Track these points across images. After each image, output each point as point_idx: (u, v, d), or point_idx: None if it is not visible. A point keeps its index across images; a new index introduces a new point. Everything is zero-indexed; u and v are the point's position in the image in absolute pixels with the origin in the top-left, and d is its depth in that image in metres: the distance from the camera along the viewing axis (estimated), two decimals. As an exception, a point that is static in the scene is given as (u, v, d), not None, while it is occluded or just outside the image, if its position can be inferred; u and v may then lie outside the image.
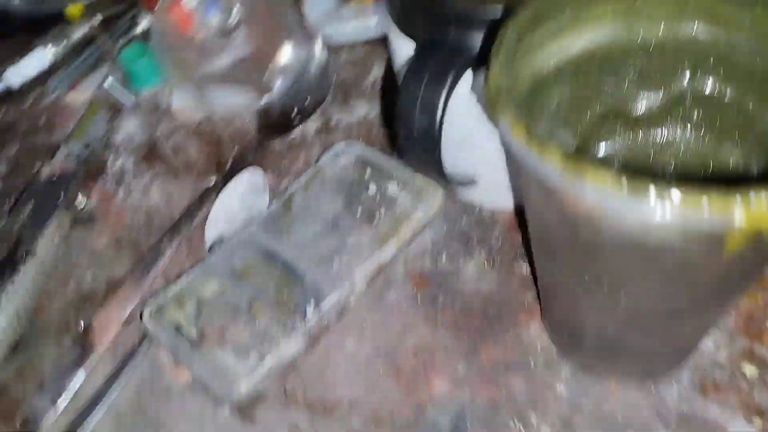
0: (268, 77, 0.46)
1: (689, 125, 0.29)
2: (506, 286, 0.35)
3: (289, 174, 0.43)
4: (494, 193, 0.37)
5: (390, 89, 0.46)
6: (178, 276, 0.38)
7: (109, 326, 0.36)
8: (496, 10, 0.27)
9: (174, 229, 0.40)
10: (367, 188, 0.38)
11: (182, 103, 0.46)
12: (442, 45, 0.29)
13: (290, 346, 0.32)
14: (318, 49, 0.46)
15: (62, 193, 0.42)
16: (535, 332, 0.33)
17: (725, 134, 0.28)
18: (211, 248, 0.38)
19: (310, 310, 0.33)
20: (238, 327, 0.33)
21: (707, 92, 0.27)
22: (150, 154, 0.46)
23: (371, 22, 0.49)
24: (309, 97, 0.46)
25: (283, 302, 0.34)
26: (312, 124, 0.45)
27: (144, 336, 0.35)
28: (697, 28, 0.26)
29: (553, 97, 0.27)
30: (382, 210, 0.37)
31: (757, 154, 0.27)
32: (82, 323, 0.36)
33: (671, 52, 0.27)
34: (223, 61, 0.49)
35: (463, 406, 0.31)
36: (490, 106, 0.21)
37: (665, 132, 0.29)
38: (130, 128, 0.48)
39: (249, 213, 0.39)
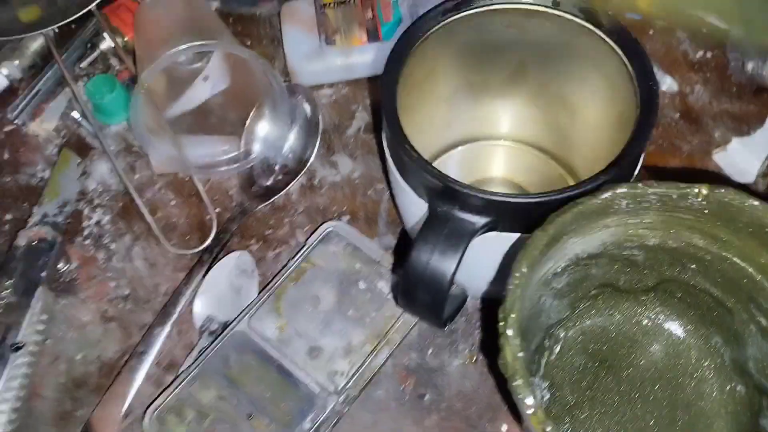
0: (247, 138, 0.44)
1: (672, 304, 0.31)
2: (487, 387, 0.38)
3: (273, 243, 0.43)
4: (478, 286, 0.38)
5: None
6: (171, 365, 0.39)
7: (109, 423, 0.37)
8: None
9: (164, 311, 0.40)
10: (357, 284, 0.39)
11: (155, 153, 0.44)
12: (450, 217, 0.29)
13: (290, 463, 0.34)
14: (304, 105, 0.45)
15: (43, 265, 0.41)
16: (513, 439, 0.36)
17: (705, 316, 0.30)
18: (201, 331, 0.39)
19: (307, 425, 0.35)
20: (238, 441, 0.35)
21: (693, 283, 0.29)
22: (127, 209, 0.44)
23: (356, 62, 0.47)
24: (292, 154, 0.45)
25: (281, 414, 0.35)
26: (295, 184, 0.45)
27: (144, 433, 0.36)
28: (693, 239, 0.27)
29: (555, 283, 0.28)
30: (373, 310, 0.38)
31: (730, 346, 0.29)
32: (80, 416, 0.38)
33: (666, 250, 0.28)
34: (196, 95, 0.47)
35: None
36: (509, 380, 0.22)
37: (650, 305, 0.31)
38: (103, 173, 0.46)
39: (237, 297, 0.40)
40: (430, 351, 0.39)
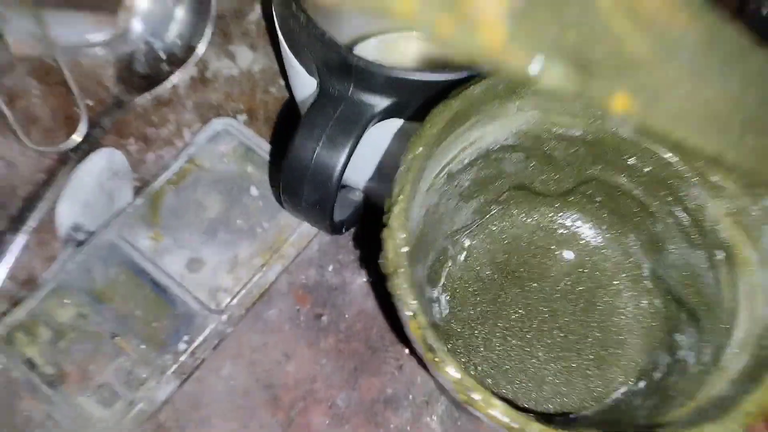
0: (124, 16, 0.37)
1: (591, 209, 0.27)
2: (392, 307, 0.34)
3: (155, 144, 0.37)
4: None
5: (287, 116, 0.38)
6: (29, 280, 0.34)
7: (-52, 344, 0.31)
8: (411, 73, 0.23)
9: (21, 217, 0.34)
10: (249, 190, 0.34)
11: (18, 32, 0.37)
12: (345, 97, 0.24)
13: (161, 390, 0.30)
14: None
15: None
16: (417, 364, 0.33)
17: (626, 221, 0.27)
18: (65, 240, 0.34)
19: (182, 346, 0.31)
20: (101, 364, 0.30)
21: (614, 183, 0.26)
22: (-21, 98, 0.37)
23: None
24: (180, 39, 0.38)
25: (152, 333, 0.31)
26: (183, 74, 0.38)
27: (-8, 355, 0.31)
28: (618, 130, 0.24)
29: (460, 180, 0.24)
30: (265, 221, 0.33)
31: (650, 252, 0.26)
32: None
33: (589, 143, 0.24)
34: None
35: (341, 443, 0.31)
36: (389, 278, 0.18)
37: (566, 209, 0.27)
38: (-52, 54, 0.38)
39: (109, 202, 0.34)
40: (330, 268, 0.35)
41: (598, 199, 0.27)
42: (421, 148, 0.19)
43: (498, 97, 0.21)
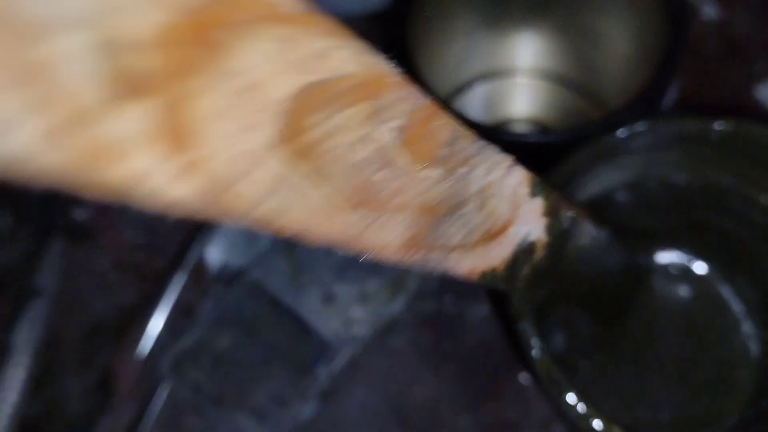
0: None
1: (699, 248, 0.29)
2: (512, 337, 0.36)
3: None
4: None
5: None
6: (188, 311, 0.39)
7: (128, 366, 0.37)
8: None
9: (179, 256, 0.40)
10: (373, 230, 0.37)
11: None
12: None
13: (305, 409, 0.34)
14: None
15: (57, 209, 0.41)
16: (534, 389, 0.35)
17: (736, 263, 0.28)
18: (216, 277, 0.39)
19: (321, 370, 0.35)
20: (254, 387, 0.35)
21: (720, 226, 0.27)
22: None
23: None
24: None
25: (295, 360, 0.35)
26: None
27: (161, 378, 0.36)
28: (720, 178, 0.25)
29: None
30: (389, 257, 0.37)
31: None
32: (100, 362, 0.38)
33: (693, 192, 0.26)
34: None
35: (465, 462, 0.34)
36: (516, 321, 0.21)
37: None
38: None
39: (252, 241, 0.39)
40: (449, 299, 0.38)
41: (709, 241, 0.28)
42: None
43: (601, 157, 0.24)
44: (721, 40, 0.42)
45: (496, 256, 0.17)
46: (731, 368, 0.28)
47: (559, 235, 0.18)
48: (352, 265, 0.37)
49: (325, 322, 0.36)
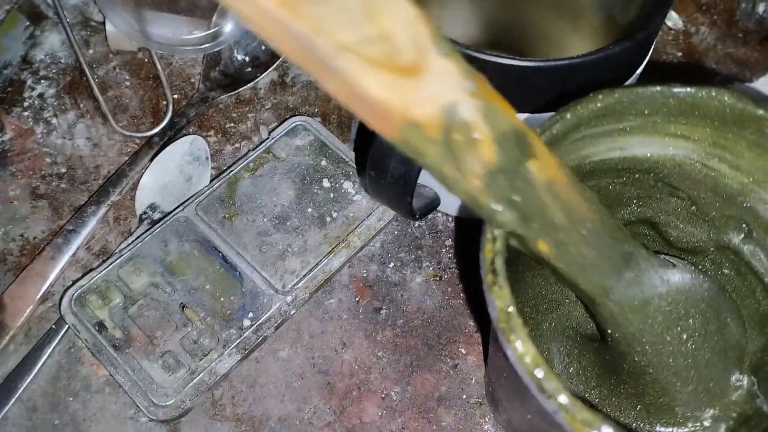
0: (218, 17, 0.40)
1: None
2: (450, 308, 0.34)
3: (234, 137, 0.39)
4: (452, 201, 0.35)
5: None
6: (103, 251, 0.35)
7: (24, 303, 0.33)
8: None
9: (101, 192, 0.36)
10: (321, 182, 0.35)
11: (117, 25, 0.40)
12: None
13: (223, 362, 0.31)
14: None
15: (-32, 127, 0.36)
16: (472, 363, 0.33)
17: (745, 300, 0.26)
18: (141, 218, 0.35)
19: (247, 322, 0.31)
20: (167, 333, 0.31)
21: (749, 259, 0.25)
22: (75, 84, 0.40)
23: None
24: (265, 45, 0.41)
25: (219, 307, 0.32)
26: (265, 78, 0.41)
27: (61, 318, 0.32)
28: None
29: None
30: (335, 211, 0.34)
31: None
32: (-9, 293, 0.33)
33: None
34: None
35: (392, 436, 0.31)
36: (500, 323, 0.18)
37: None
38: (53, 44, 0.41)
39: (187, 185, 0.36)
40: (391, 265, 0.35)
41: (725, 270, 0.26)
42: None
43: (611, 113, 0.22)
44: (684, 49, 0.43)
45: (414, 102, 0.15)
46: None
47: (507, 145, 0.17)
48: (294, 215, 0.34)
49: (258, 271, 0.33)
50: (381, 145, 0.25)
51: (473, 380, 0.33)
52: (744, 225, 0.24)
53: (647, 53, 0.27)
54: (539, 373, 0.16)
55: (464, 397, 0.32)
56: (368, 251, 0.35)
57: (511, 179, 0.17)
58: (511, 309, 0.17)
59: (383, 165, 0.25)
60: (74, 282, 0.33)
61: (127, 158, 0.37)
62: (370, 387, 0.32)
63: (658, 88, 0.22)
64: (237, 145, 0.39)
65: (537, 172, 0.18)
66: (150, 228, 0.34)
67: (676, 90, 0.22)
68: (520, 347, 0.17)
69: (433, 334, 0.34)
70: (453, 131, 0.16)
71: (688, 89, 0.22)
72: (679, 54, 0.43)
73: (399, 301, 0.34)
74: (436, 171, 0.16)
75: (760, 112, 0.22)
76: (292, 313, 0.32)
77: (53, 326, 0.32)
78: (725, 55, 0.43)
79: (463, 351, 0.33)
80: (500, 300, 0.17)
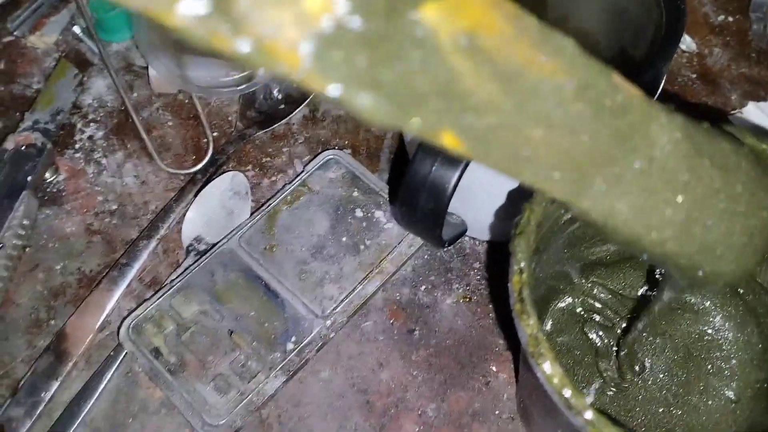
0: (255, 60, 0.43)
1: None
2: (480, 327, 0.36)
3: (270, 171, 0.41)
4: (478, 226, 0.37)
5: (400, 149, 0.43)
6: (154, 282, 0.38)
7: (84, 332, 0.35)
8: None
9: (151, 226, 0.39)
10: (354, 212, 0.37)
11: (158, 70, 0.43)
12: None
13: (270, 384, 0.33)
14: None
15: (30, 170, 0.39)
16: (504, 381, 0.35)
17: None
18: (188, 250, 0.38)
19: (290, 346, 0.34)
20: (217, 357, 0.33)
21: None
22: (121, 126, 0.43)
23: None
24: (296, 85, 0.43)
25: (264, 333, 0.34)
26: (297, 114, 0.43)
27: (119, 345, 0.35)
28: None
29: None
30: (368, 239, 0.37)
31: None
32: (54, 325, 0.36)
33: None
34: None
35: (429, 451, 0.33)
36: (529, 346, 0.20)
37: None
38: (100, 90, 0.45)
39: (229, 219, 0.39)
40: (423, 288, 0.37)
41: (740, 290, 0.28)
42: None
43: None
44: (698, 71, 0.44)
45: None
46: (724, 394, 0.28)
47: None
48: (329, 244, 0.36)
49: (298, 298, 0.35)
50: (412, 181, 0.27)
51: (505, 396, 0.34)
52: None
53: (658, 87, 0.29)
54: (566, 393, 0.18)
55: (497, 412, 0.34)
56: (400, 275, 0.37)
57: (367, 39, 0.11)
58: (539, 335, 0.19)
59: (414, 200, 0.28)
60: (130, 312, 0.35)
61: (173, 194, 0.40)
62: (407, 405, 0.34)
63: None
64: (273, 178, 0.41)
65: (436, 21, 0.11)
66: (197, 260, 0.36)
67: None
68: (548, 369, 0.18)
69: (465, 353, 0.36)
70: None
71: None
72: (694, 76, 0.44)
73: (431, 323, 0.36)
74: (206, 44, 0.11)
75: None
76: (331, 336, 0.35)
77: (111, 353, 0.35)
78: (739, 75, 0.44)
79: (494, 369, 0.35)
80: (528, 327, 0.19)
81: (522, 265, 0.20)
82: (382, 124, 0.12)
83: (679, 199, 0.18)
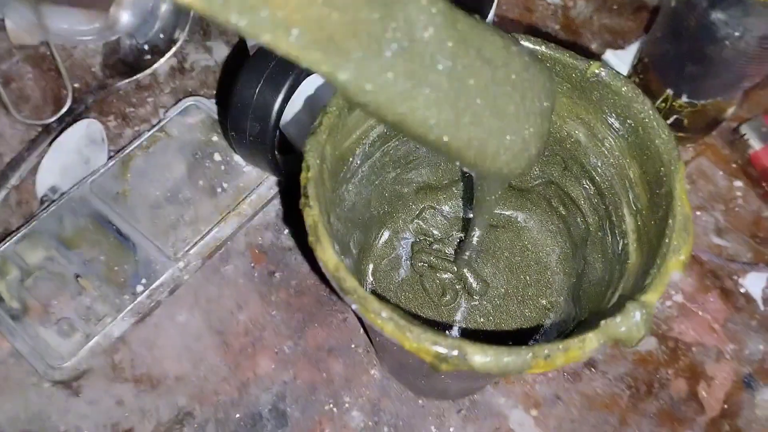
0: (116, 7, 0.42)
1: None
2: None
3: (133, 121, 0.40)
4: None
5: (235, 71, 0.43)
6: (4, 232, 0.36)
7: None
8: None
9: (2, 175, 0.37)
10: (212, 156, 0.37)
11: (15, 21, 0.41)
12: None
13: (117, 326, 0.32)
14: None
15: None
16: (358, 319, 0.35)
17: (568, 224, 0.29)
18: (42, 200, 0.37)
19: (140, 288, 0.33)
20: (63, 300, 0.32)
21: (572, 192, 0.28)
22: (-23, 78, 0.41)
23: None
24: (163, 34, 0.43)
25: (113, 276, 0.33)
26: (164, 64, 0.42)
27: (-37, 296, 0.33)
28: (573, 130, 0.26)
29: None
30: (225, 182, 0.36)
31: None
32: None
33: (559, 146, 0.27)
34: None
35: (285, 387, 0.33)
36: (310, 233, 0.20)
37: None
38: (-47, 42, 0.43)
39: (85, 167, 0.37)
40: (286, 231, 0.37)
41: (554, 203, 0.29)
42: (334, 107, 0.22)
43: None
44: (562, 22, 0.46)
45: None
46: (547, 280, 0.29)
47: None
48: (185, 188, 0.36)
49: (150, 241, 0.34)
50: (237, 106, 0.27)
51: (361, 331, 0.35)
52: (561, 160, 0.27)
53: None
54: (340, 274, 0.18)
55: (353, 346, 0.34)
56: (263, 220, 0.37)
57: None
58: (319, 225, 0.19)
59: (242, 124, 0.27)
60: (-27, 262, 0.34)
61: (28, 146, 0.39)
62: (264, 343, 0.34)
63: None
64: (137, 128, 0.40)
65: None
66: (46, 207, 0.35)
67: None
68: (323, 255, 0.19)
69: (326, 292, 0.36)
70: None
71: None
72: (557, 27, 0.46)
73: (293, 264, 0.36)
74: None
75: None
76: (185, 278, 0.34)
77: (-46, 305, 0.33)
78: (600, 26, 0.46)
79: (355, 306, 0.35)
80: (310, 218, 0.19)
81: (309, 162, 0.20)
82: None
83: (443, 83, 0.18)
